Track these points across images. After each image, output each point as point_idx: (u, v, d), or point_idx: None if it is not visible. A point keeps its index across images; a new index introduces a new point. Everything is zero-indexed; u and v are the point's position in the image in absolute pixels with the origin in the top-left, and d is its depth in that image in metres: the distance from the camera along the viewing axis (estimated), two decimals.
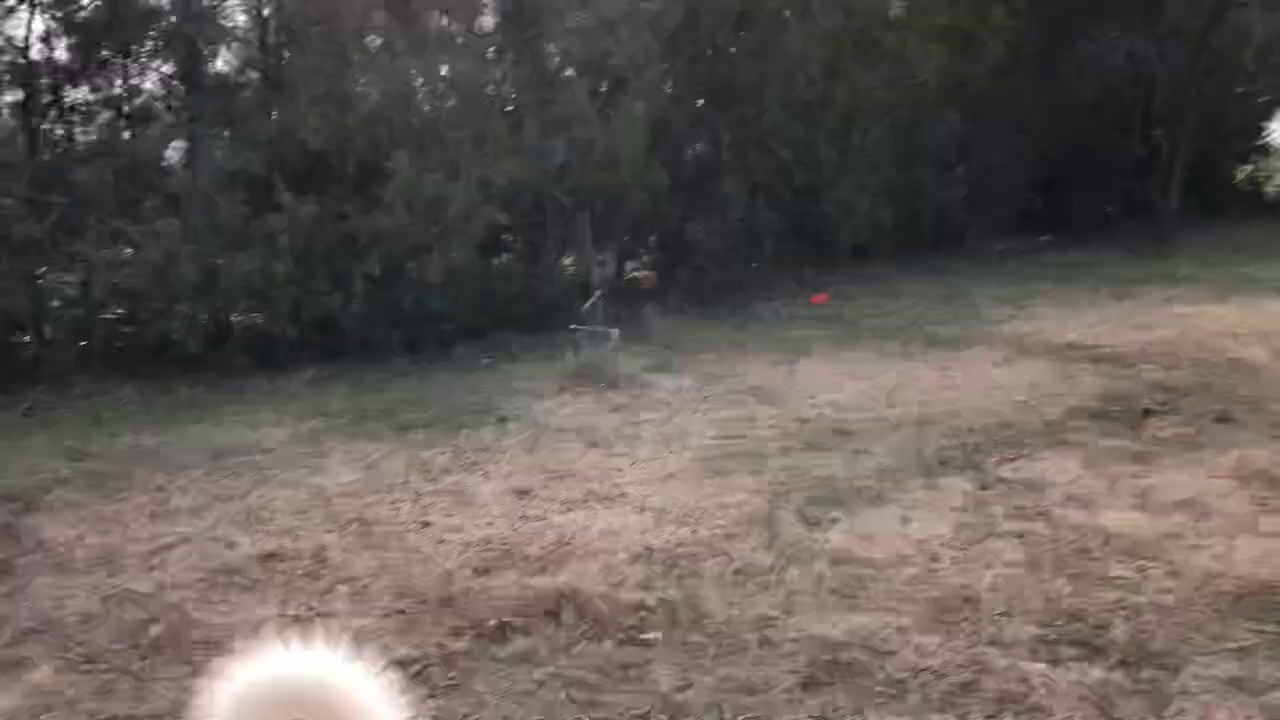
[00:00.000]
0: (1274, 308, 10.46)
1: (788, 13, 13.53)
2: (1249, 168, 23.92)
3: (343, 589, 4.54)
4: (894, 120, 15.15)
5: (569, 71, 12.82)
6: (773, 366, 9.03)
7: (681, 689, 3.57)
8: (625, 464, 6.30)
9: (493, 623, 4.10)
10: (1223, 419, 6.58)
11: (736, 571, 4.56)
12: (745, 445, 6.59)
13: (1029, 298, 11.94)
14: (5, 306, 8.67)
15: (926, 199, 15.66)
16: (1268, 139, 23.95)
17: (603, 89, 12.73)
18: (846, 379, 8.41)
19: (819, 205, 14.04)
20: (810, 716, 3.38)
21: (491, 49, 11.96)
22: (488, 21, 12.16)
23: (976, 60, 15.53)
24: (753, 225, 13.29)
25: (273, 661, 1.77)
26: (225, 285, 9.07)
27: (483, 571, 4.66)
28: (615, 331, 8.66)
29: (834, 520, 5.14)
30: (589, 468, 6.23)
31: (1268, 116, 23.47)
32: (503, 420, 7.45)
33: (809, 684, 3.58)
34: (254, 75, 10.87)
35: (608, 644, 3.91)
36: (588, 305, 9.25)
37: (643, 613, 4.15)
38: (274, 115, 10.21)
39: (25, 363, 9.07)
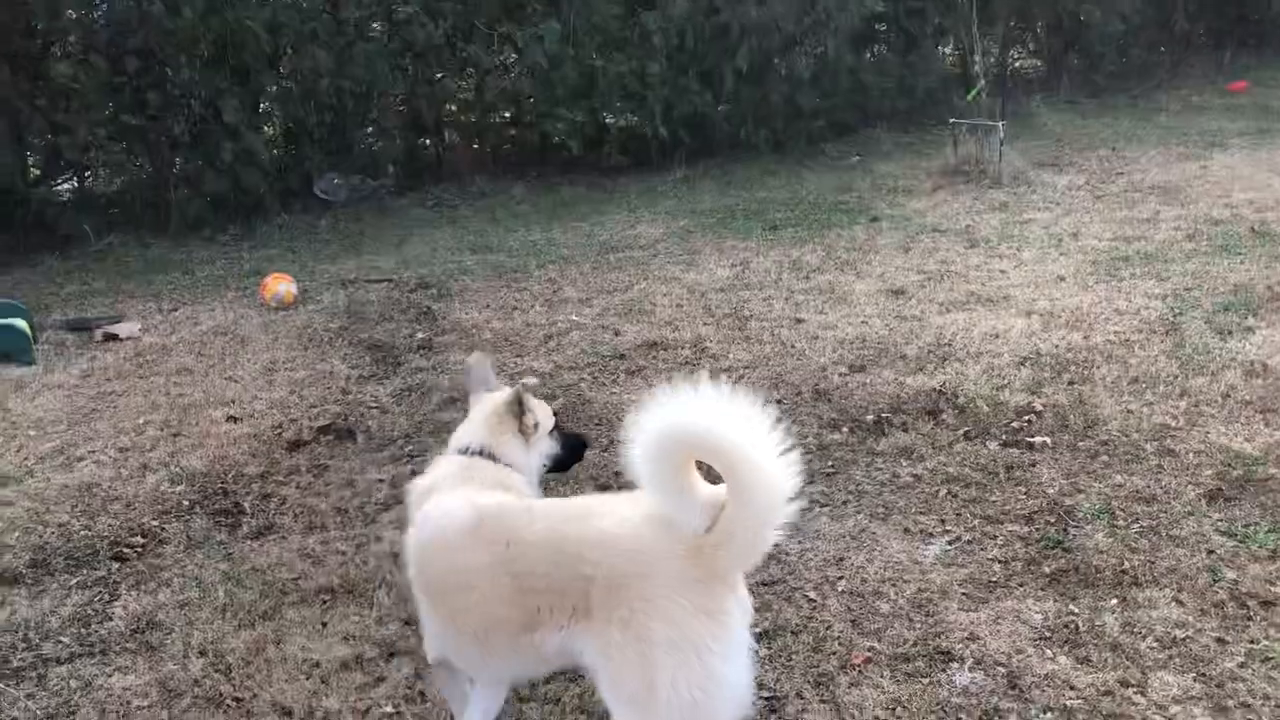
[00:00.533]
0: None
1: None
2: None
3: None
4: None
5: None
6: (1179, 162, 8.15)
7: (1070, 493, 3.43)
8: (1009, 265, 5.99)
9: (870, 417, 4.12)
10: None
11: (1134, 379, 4.25)
12: (1146, 248, 6.05)
13: None
14: (412, 110, 9.44)
15: None
16: None
17: None
18: (1270, 175, 7.44)
19: None
20: (1215, 530, 3.14)
21: None
22: None
23: None
24: (1161, 3, 11.77)
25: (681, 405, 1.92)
26: (603, 86, 9.33)
27: (858, 369, 4.65)
28: (1000, 125, 8.08)
29: (1249, 330, 4.64)
30: (969, 269, 5.98)
31: None
32: (875, 219, 7.29)
33: (1214, 496, 3.32)
34: None
35: (991, 444, 3.82)
36: (970, 96, 8.67)
37: (1029, 416, 3.99)
38: None
39: (429, 162, 9.92)
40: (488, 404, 2.56)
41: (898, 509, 3.44)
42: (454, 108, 10.21)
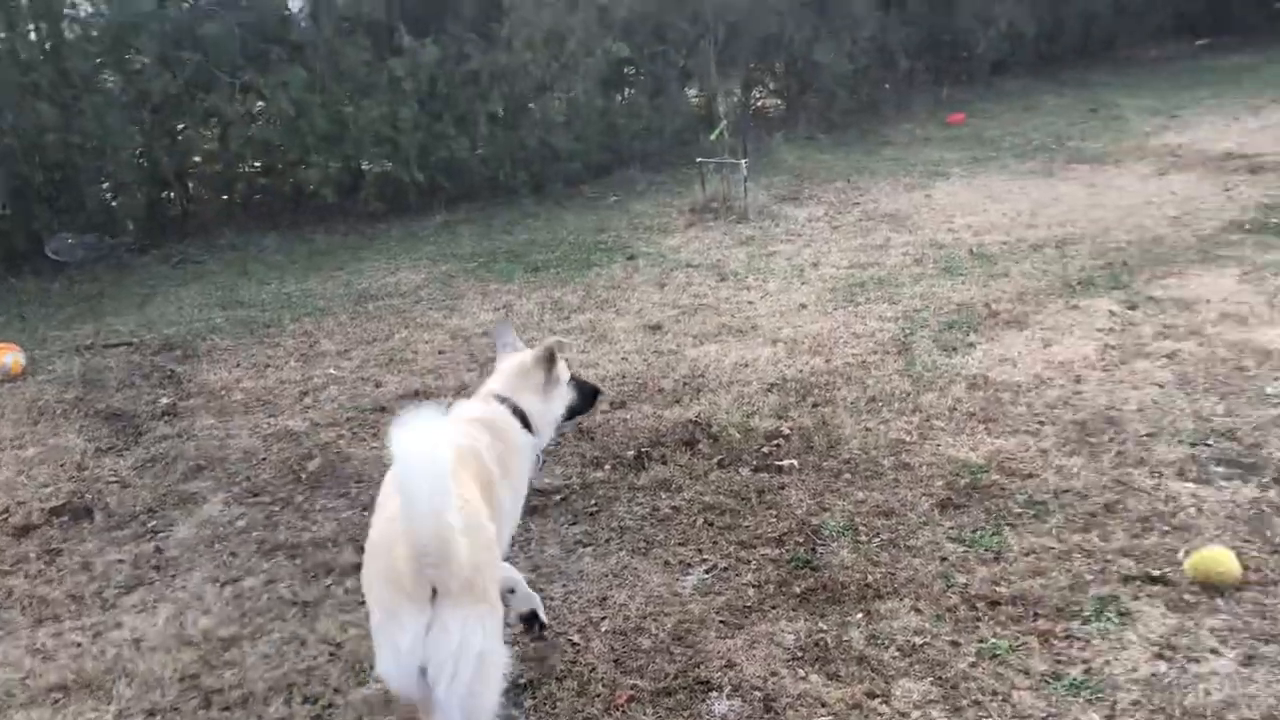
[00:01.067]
0: None
1: None
2: None
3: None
4: None
5: None
6: (907, 191, 8.75)
7: (817, 513, 3.62)
8: (757, 296, 6.27)
9: (631, 453, 4.20)
10: None
11: (872, 399, 4.53)
12: (879, 273, 6.46)
13: (1184, 107, 11.17)
14: (151, 163, 8.98)
15: (1071, 5, 14.63)
16: None
17: None
18: (985, 201, 8.11)
19: (954, 19, 13.28)
20: (947, 537, 3.39)
21: None
22: None
23: None
24: (884, 44, 12.68)
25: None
26: (355, 133, 9.18)
27: (619, 405, 4.75)
28: (744, 162, 8.47)
29: (971, 345, 5.04)
30: (720, 301, 6.22)
31: None
32: (632, 257, 7.46)
33: (945, 506, 3.58)
34: None
35: (744, 471, 3.98)
36: (714, 136, 9.05)
37: (778, 440, 4.19)
38: None
39: (173, 217, 9.45)
40: (516, 359, 3.01)
41: (658, 542, 3.52)
42: (199, 159, 9.79)
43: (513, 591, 2.87)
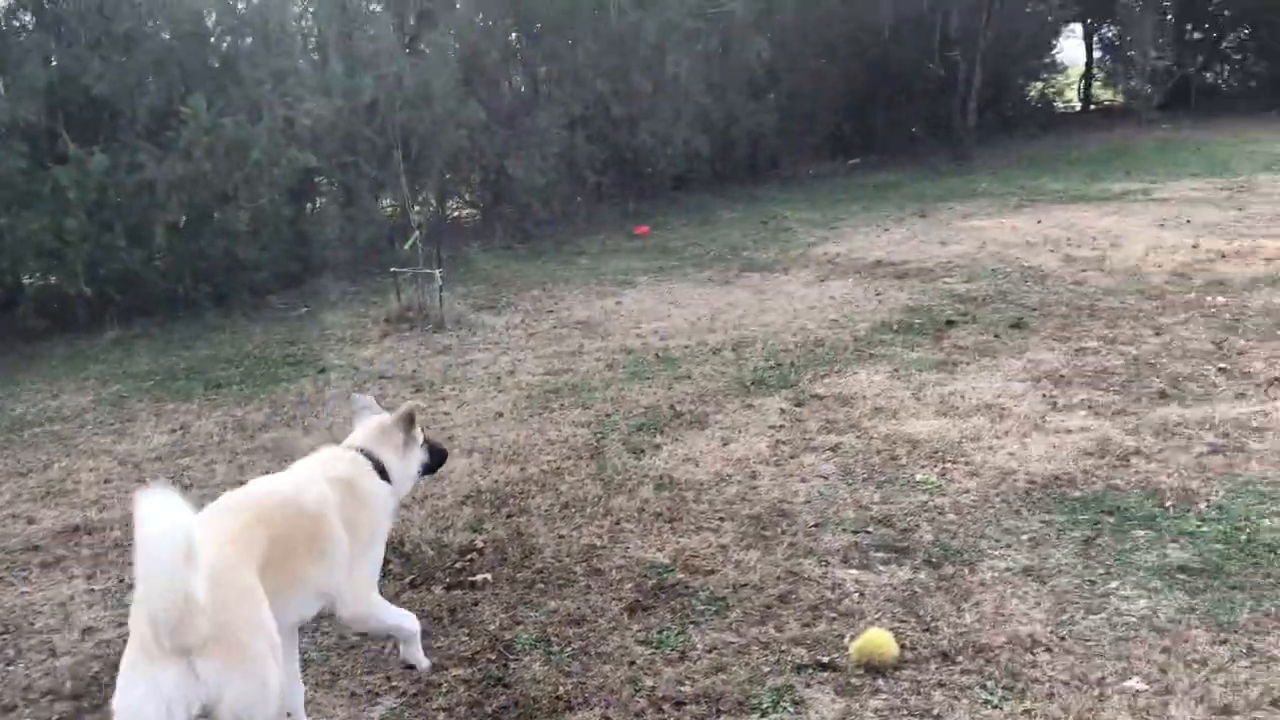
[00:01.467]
0: (1062, 216, 11.12)
1: None
2: (1040, 84, 25.18)
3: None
4: (705, 49, 15.26)
5: (375, 6, 12.43)
6: (598, 299, 9.09)
7: (510, 626, 3.62)
8: (453, 406, 6.26)
9: None
10: (1017, 325, 7.00)
11: (565, 505, 4.62)
12: (572, 379, 6.64)
13: (840, 219, 12.33)
14: None
15: (741, 127, 15.90)
16: (1055, 56, 25.27)
17: (411, 23, 12.40)
18: (669, 308, 8.54)
19: (637, 137, 14.09)
20: (636, 640, 3.47)
21: None
22: None
23: None
24: (573, 159, 13.24)
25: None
26: (12, 245, 8.48)
27: None
28: (438, 272, 8.52)
29: (658, 447, 5.26)
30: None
31: (1055, 34, 24.72)
32: (323, 370, 7.28)
33: (634, 609, 3.68)
34: (27, 18, 10.05)
35: (437, 589, 3.92)
36: (407, 245, 9.05)
37: (472, 554, 4.17)
38: (52, 61, 9.47)
39: None
40: (376, 419, 3.30)
41: (344, 672, 3.39)
42: None
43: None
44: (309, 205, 11.34)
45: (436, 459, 3.48)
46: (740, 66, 15.70)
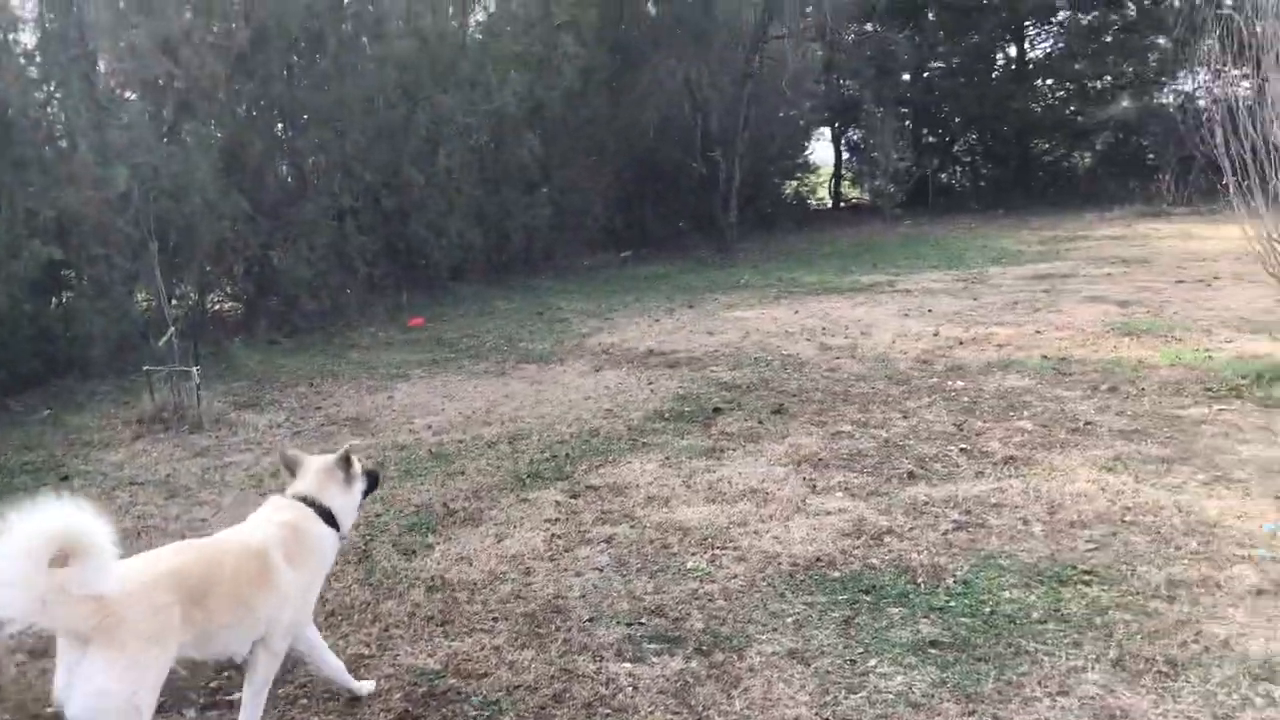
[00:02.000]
0: (817, 307, 11.79)
1: (364, 38, 13.40)
2: (794, 183, 26.82)
3: None
4: (477, 143, 15.44)
5: (128, 94, 11.89)
6: (370, 394, 8.88)
7: None
8: (209, 513, 5.93)
9: (49, 709, 3.69)
10: (778, 411, 7.32)
11: (331, 613, 4.43)
12: None
13: (614, 310, 12.61)
14: None
15: (514, 219, 16.10)
16: (808, 157, 27.05)
17: (168, 112, 11.94)
18: (444, 401, 8.45)
19: (409, 228, 14.01)
20: None
21: (34, 68, 10.78)
22: (28, 38, 10.95)
23: (552, 85, 16.18)
24: (342, 250, 13.01)
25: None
26: None
27: (39, 654, 4.18)
28: (196, 369, 8.11)
29: (430, 547, 5.15)
30: (169, 521, 5.79)
31: (807, 137, 26.49)
32: (66, 478, 6.75)
33: (403, 718, 3.55)
34: None
35: (190, 712, 3.66)
36: (162, 341, 8.59)
37: (228, 671, 3.92)
38: None
39: None
40: (318, 462, 3.65)
41: None
42: None
43: None
44: (54, 300, 10.61)
45: (373, 483, 3.88)
46: (513, 161, 15.95)
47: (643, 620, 4.21)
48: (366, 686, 3.71)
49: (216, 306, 13.15)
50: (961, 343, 9.31)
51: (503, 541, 5.17)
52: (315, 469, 3.61)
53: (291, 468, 3.70)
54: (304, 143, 13.42)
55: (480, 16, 17.30)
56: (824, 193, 29.79)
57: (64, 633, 2.77)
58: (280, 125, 13.66)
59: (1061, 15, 27.58)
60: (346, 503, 3.63)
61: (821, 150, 28.98)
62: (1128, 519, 4.85)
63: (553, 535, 5.21)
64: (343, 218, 13.02)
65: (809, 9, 19.99)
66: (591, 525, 5.33)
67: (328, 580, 4.73)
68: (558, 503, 5.71)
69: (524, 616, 4.30)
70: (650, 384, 8.53)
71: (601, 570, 4.74)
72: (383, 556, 5.05)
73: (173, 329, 8.52)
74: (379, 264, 13.78)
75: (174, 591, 2.95)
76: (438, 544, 5.19)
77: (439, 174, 14.33)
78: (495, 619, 4.29)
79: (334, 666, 3.65)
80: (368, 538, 5.31)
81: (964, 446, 6.21)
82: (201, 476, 6.65)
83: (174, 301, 11.00)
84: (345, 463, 3.65)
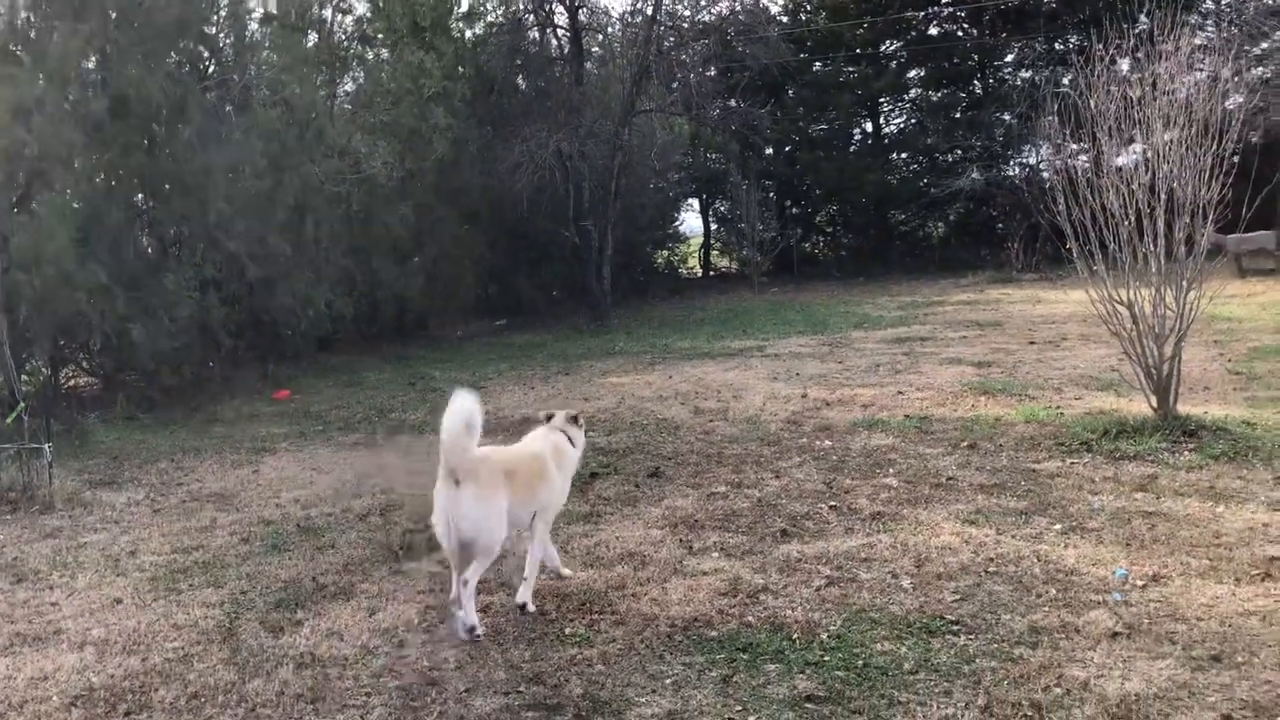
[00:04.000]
0: (690, 372, 11.96)
1: (228, 106, 13.20)
2: (665, 252, 27.32)
3: None
4: (347, 212, 15.30)
5: None
6: (234, 468, 8.61)
7: None
8: (62, 595, 5.62)
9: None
10: (654, 474, 7.38)
11: (194, 695, 4.24)
12: (204, 556, 6.18)
13: (488, 379, 12.55)
14: None
15: (386, 289, 15.95)
16: (678, 227, 27.65)
17: (20, 180, 11.51)
18: (313, 474, 8.24)
19: (276, 299, 13.72)
20: None
21: None
22: None
23: (423, 156, 16.19)
24: (206, 322, 12.64)
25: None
26: None
27: None
28: (48, 446, 7.74)
29: (298, 623, 4.98)
30: (15, 606, 5.47)
31: (676, 208, 27.08)
32: None
33: None
34: None
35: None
36: (9, 420, 8.17)
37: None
38: None
39: None
40: (562, 413, 5.57)
41: None
42: None
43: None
44: None
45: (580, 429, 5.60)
46: (384, 231, 15.85)
47: (520, 689, 4.15)
48: (568, 572, 5.39)
49: (71, 382, 12.59)
50: (829, 404, 9.57)
51: (375, 615, 5.04)
52: (563, 416, 5.50)
53: (548, 417, 5.52)
54: (165, 213, 13.07)
55: (349, 87, 17.25)
56: (694, 262, 30.41)
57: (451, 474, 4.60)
58: (140, 195, 13.29)
59: (913, 92, 29.06)
60: (578, 436, 5.48)
61: (691, 220, 29.66)
62: (991, 569, 5.03)
63: (427, 607, 5.11)
64: (206, 289, 12.68)
65: (675, 84, 20.55)
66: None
67: (190, 661, 4.57)
68: (432, 574, 5.60)
69: (398, 691, 4.19)
70: None
71: (478, 640, 4.66)
72: (249, 635, 4.87)
73: (22, 405, 8.13)
74: (244, 336, 13.45)
75: (501, 467, 4.83)
76: (307, 620, 5.03)
77: (307, 244, 14.13)
78: (368, 694, 4.17)
79: (550, 554, 5.28)
80: (232, 616, 5.12)
81: (834, 504, 6.36)
82: (53, 558, 6.31)
83: (24, 377, 10.49)
84: (575, 418, 5.57)
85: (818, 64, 27.92)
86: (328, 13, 16.04)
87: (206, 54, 13.78)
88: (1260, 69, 18.66)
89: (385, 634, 4.79)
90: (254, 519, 6.99)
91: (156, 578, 5.84)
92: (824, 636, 4.41)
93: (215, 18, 13.85)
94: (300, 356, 14.37)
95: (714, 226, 30.26)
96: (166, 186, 13.00)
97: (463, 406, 4.49)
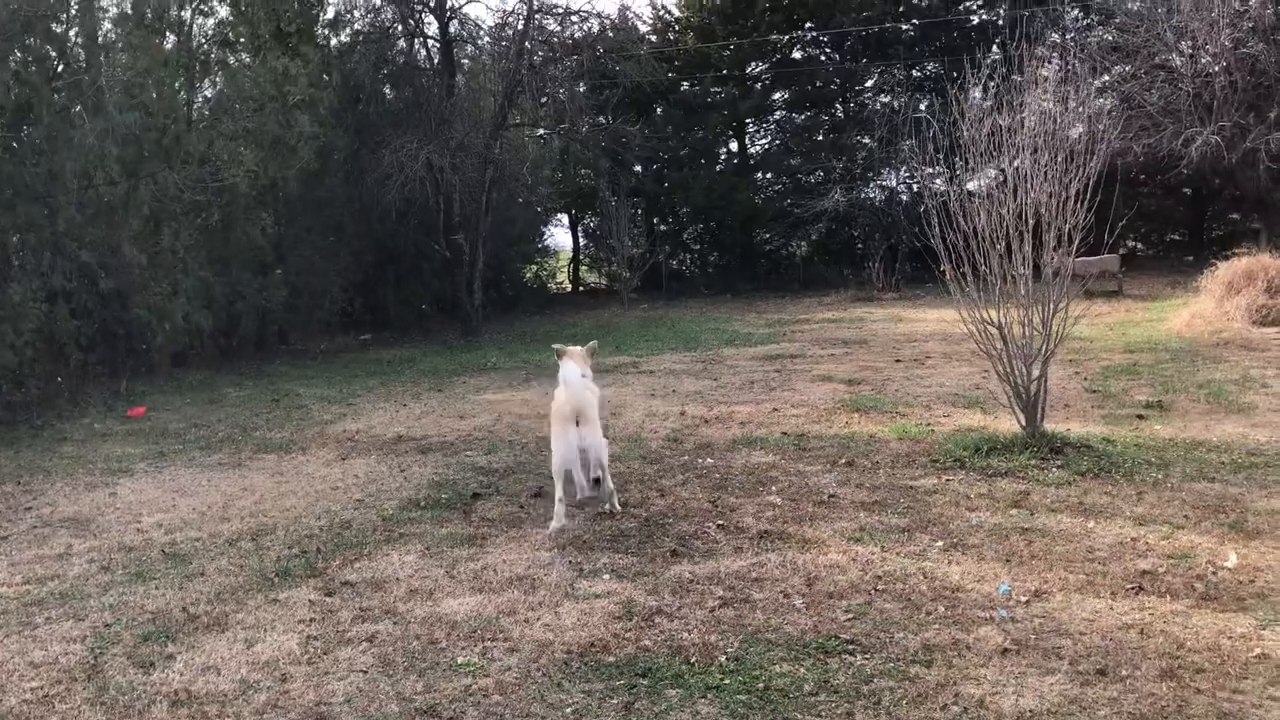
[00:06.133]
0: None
1: (78, 107, 12.52)
2: (534, 267, 27.18)
3: None
4: (206, 222, 14.72)
5: None
6: (89, 490, 8.13)
7: None
8: None
9: None
10: (538, 495, 7.27)
11: None
12: (60, 587, 5.80)
13: (357, 395, 12.21)
14: None
15: (246, 301, 15.40)
16: (547, 241, 27.57)
17: None
18: (175, 496, 7.85)
19: (129, 311, 13.08)
20: None
21: None
22: None
23: (287, 164, 15.70)
24: (53, 335, 11.95)
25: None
26: None
27: None
28: None
29: (170, 657, 4.71)
30: None
31: (546, 222, 27.00)
32: None
33: None
34: None
35: None
36: None
37: None
38: None
39: None
40: (580, 350, 7.04)
41: None
42: None
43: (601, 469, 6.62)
44: None
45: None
46: (245, 241, 15.31)
47: None
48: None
49: None
50: (707, 421, 9.63)
51: (253, 647, 4.80)
52: (579, 352, 7.01)
53: (560, 354, 6.98)
54: (8, 219, 12.29)
55: (209, 92, 16.62)
56: (564, 277, 30.35)
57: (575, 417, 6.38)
58: None
59: (778, 114, 29.73)
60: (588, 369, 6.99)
61: (560, 235, 29.62)
62: (880, 587, 5.12)
63: (309, 637, 4.90)
64: (54, 299, 11.99)
65: (545, 100, 20.49)
66: (350, 624, 5.05)
67: (50, 702, 4.27)
68: (311, 601, 5.38)
69: None
70: (402, 471, 8.28)
71: (366, 672, 4.48)
72: (116, 671, 4.57)
73: None
74: (95, 350, 12.77)
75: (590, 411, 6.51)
76: (179, 653, 4.75)
77: (163, 253, 13.53)
78: None
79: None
80: (96, 651, 4.80)
81: (721, 522, 6.38)
82: None
83: None
84: (592, 349, 7.19)
85: (686, 83, 28.29)
86: (187, 14, 15.39)
87: (54, 53, 13.05)
88: (1101, 100, 19.72)
89: (266, 667, 4.56)
90: (114, 545, 6.60)
91: (8, 611, 5.44)
92: (722, 659, 4.40)
93: (65, 15, 13.13)
94: (156, 371, 13.72)
95: (583, 242, 30.29)
96: (10, 192, 12.23)
97: (572, 377, 6.51)
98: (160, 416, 11.43)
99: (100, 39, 13.39)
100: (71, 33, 13.16)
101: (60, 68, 12.89)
